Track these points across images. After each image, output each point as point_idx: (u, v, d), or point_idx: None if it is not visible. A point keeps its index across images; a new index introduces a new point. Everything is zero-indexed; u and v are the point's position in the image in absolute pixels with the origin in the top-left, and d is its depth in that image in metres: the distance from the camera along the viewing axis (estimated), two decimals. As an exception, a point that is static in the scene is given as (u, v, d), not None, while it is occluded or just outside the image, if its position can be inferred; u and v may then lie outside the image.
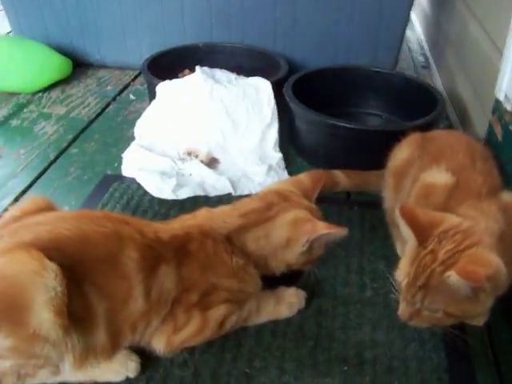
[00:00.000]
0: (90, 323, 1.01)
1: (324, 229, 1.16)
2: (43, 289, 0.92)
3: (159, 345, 1.12)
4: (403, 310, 1.09)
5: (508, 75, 1.43)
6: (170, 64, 2.26)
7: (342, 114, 1.97)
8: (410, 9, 2.25)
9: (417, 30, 3.42)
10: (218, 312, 1.15)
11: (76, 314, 0.98)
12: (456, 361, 1.17)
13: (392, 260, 1.40)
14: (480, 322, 1.22)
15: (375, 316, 1.26)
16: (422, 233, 1.05)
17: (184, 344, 1.14)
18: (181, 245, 1.13)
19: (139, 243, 1.07)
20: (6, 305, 0.92)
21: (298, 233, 1.17)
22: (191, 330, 1.13)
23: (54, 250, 0.97)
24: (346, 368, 1.14)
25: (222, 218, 1.21)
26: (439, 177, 1.23)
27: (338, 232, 1.18)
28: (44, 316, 0.93)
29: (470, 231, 1.04)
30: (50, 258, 0.95)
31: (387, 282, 1.33)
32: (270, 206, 1.22)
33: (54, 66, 2.49)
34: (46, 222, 1.07)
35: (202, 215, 1.22)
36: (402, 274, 1.08)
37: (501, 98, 1.47)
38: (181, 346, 1.15)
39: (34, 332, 0.93)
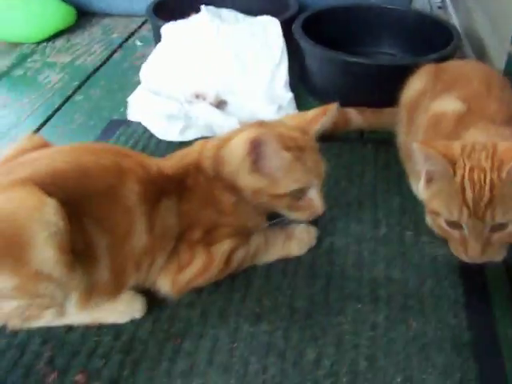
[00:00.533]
0: (92, 259, 0.98)
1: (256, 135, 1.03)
2: (44, 225, 0.89)
3: (165, 285, 1.10)
4: (474, 246, 1.00)
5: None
6: (176, 7, 2.15)
7: (355, 53, 1.91)
8: None
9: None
10: (223, 247, 1.11)
11: (78, 250, 0.95)
12: (474, 297, 1.12)
13: (406, 197, 1.37)
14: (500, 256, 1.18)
15: (390, 253, 1.22)
16: (450, 161, 0.99)
17: (191, 283, 1.11)
18: (181, 179, 1.09)
19: (141, 176, 1.03)
20: (7, 243, 0.89)
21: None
22: (197, 268, 1.09)
23: (52, 185, 0.94)
24: (359, 306, 1.10)
25: (206, 149, 1.14)
26: (449, 104, 1.17)
27: (270, 139, 1.04)
28: (47, 253, 0.90)
29: (488, 143, 0.99)
30: (49, 193, 0.91)
31: (402, 219, 1.30)
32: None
33: (57, 14, 2.44)
34: (43, 156, 1.03)
35: (196, 149, 1.17)
36: (455, 211, 0.99)
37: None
38: (187, 286, 1.11)
39: (37, 270, 0.91)
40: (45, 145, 1.14)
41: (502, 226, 0.98)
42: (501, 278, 1.17)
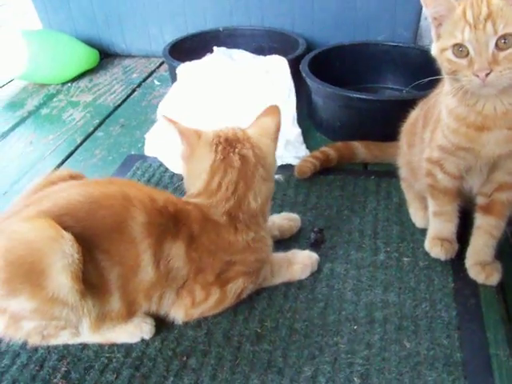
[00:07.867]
0: (104, 290, 1.07)
1: None
2: (61, 255, 0.98)
3: (178, 316, 1.17)
4: (479, 60, 1.03)
5: None
6: (191, 49, 2.29)
7: (362, 89, 1.99)
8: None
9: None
10: (236, 285, 1.18)
11: (90, 280, 1.04)
12: (467, 319, 1.17)
13: (405, 225, 1.43)
14: (494, 280, 1.24)
15: (387, 278, 1.28)
16: None
17: (203, 315, 1.19)
18: (184, 221, 1.12)
19: (148, 207, 1.08)
20: (28, 269, 0.99)
21: None
22: (210, 304, 1.17)
23: (66, 216, 1.03)
24: (355, 327, 1.16)
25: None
26: None
27: None
28: (62, 280, 0.99)
29: None
30: (64, 224, 1.00)
31: (400, 246, 1.36)
32: None
33: (81, 57, 2.57)
34: (63, 189, 1.12)
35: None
36: (459, 33, 1.04)
37: None
38: (199, 317, 1.18)
39: (52, 295, 1.00)
40: (76, 176, 1.23)
41: (506, 44, 1.01)
42: (494, 300, 1.22)
